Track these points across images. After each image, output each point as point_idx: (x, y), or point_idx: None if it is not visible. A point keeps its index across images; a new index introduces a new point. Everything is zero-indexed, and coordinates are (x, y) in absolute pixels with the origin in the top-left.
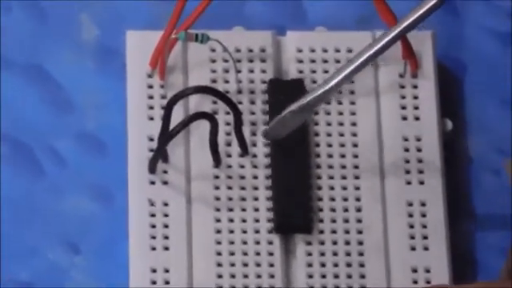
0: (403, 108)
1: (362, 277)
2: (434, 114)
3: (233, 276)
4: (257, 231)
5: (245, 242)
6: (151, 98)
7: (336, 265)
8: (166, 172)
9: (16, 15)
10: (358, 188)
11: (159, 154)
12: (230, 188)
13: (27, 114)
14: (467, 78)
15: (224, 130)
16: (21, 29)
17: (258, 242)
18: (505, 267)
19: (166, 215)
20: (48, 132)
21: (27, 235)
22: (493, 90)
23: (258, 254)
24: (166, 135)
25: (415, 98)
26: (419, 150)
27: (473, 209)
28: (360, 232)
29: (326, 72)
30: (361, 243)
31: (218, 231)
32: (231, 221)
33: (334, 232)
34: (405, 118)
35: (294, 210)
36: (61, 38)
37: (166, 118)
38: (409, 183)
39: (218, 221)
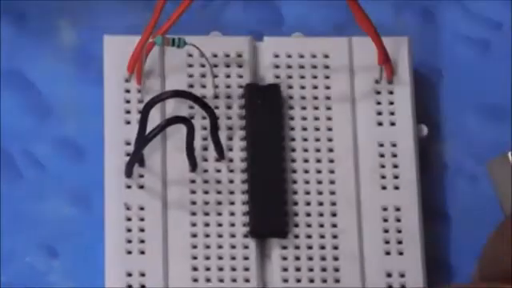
0: (379, 114)
1: (337, 281)
2: (409, 119)
3: (208, 280)
4: (232, 235)
5: (220, 246)
6: (128, 102)
7: (311, 269)
8: (142, 176)
9: None
10: (333, 193)
11: (135, 158)
12: (206, 192)
13: (5, 118)
14: (443, 84)
15: (200, 134)
16: None
17: (233, 246)
18: (476, 271)
19: (142, 219)
20: (26, 137)
21: (5, 239)
22: (468, 96)
23: (233, 258)
24: (143, 139)
25: (391, 103)
26: (394, 156)
27: (447, 214)
28: (335, 236)
29: (303, 77)
30: (336, 248)
31: (194, 235)
32: (207, 225)
33: (309, 237)
34: (380, 124)
35: (270, 215)
36: (39, 42)
37: (143, 122)
38: (384, 188)
39: (194, 225)
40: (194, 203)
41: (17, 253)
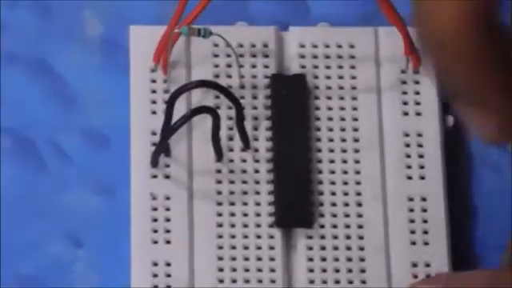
0: (405, 103)
1: (363, 271)
2: (435, 109)
3: (234, 270)
4: (258, 225)
5: (246, 236)
6: (154, 92)
7: (337, 259)
8: (168, 166)
9: (20, 11)
10: (358, 183)
11: (161, 148)
12: (231, 182)
13: (31, 108)
14: None
15: (226, 124)
16: (25, 24)
17: (259, 236)
18: (505, 254)
19: (168, 209)
20: (51, 127)
21: (30, 229)
22: None
23: (259, 248)
24: (169, 129)
25: (417, 93)
26: (420, 146)
27: (473, 204)
28: (360, 227)
29: (328, 68)
30: (361, 238)
31: (220, 225)
32: (233, 215)
33: (334, 226)
34: (406, 114)
35: (295, 204)
36: (65, 33)
37: (169, 112)
38: (410, 178)
39: (220, 215)
40: (219, 193)
41: (42, 243)
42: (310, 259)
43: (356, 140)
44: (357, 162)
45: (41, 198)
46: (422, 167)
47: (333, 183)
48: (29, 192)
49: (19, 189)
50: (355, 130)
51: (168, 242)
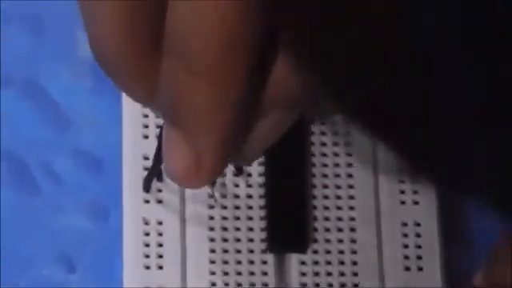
0: None
1: None
2: None
3: None
4: (251, 251)
5: (239, 262)
6: (146, 116)
7: (330, 285)
8: (160, 191)
9: (12, 32)
10: (352, 208)
11: (154, 173)
12: (224, 207)
13: (23, 130)
14: None
15: None
16: (17, 46)
17: (251, 262)
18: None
19: (160, 234)
20: (44, 149)
21: (23, 252)
22: None
23: (252, 273)
24: (161, 154)
25: None
26: None
27: (467, 229)
28: (354, 252)
29: None
30: (355, 263)
31: (212, 251)
32: (225, 240)
33: (328, 252)
34: None
35: (288, 230)
36: (57, 55)
37: (161, 137)
38: (403, 203)
39: (212, 240)
40: (212, 218)
41: (34, 265)
42: (304, 285)
43: (349, 165)
44: (350, 186)
45: (33, 220)
46: (415, 192)
47: (326, 208)
48: (21, 215)
49: (11, 211)
50: (348, 154)
51: (160, 268)
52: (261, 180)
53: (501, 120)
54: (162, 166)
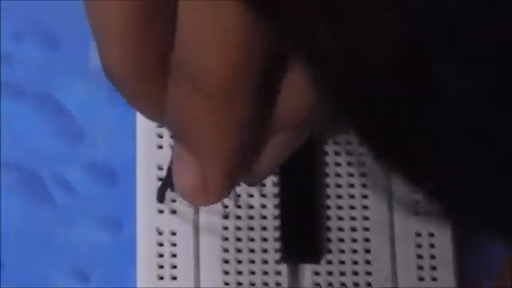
0: None
1: None
2: None
3: None
4: (265, 261)
5: (252, 273)
6: (160, 126)
7: None
8: (174, 201)
9: (26, 44)
10: (366, 218)
11: (168, 183)
12: (238, 217)
13: (37, 142)
14: None
15: None
16: (30, 57)
17: (265, 273)
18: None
19: (174, 244)
20: (58, 161)
21: (37, 264)
22: None
23: (265, 284)
24: None
25: None
26: None
27: (481, 239)
28: (368, 262)
29: None
30: (369, 273)
31: (226, 261)
32: (239, 251)
33: (342, 263)
34: None
35: (302, 240)
36: (70, 66)
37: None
38: (417, 213)
39: (226, 251)
40: (225, 228)
41: (48, 278)
42: None
43: (363, 174)
44: (364, 196)
45: (48, 232)
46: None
47: (340, 218)
48: (36, 227)
49: (25, 223)
50: (362, 164)
51: (174, 278)
52: (275, 190)
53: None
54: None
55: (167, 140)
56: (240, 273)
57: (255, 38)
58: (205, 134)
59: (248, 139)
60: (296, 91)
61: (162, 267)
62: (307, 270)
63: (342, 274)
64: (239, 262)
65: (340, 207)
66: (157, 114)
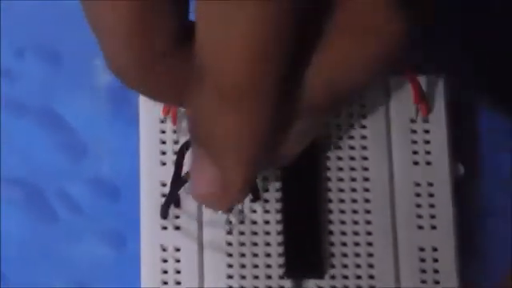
0: (415, 153)
1: None
2: (445, 158)
3: None
4: (269, 277)
5: None
6: (164, 143)
7: None
8: (178, 217)
9: (29, 60)
10: (369, 233)
11: (171, 200)
12: (242, 233)
13: (40, 158)
14: (480, 122)
15: None
16: (34, 73)
17: None
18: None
19: (178, 261)
20: (61, 177)
21: (40, 280)
22: (504, 134)
23: None
24: (179, 180)
25: (427, 142)
26: (431, 196)
27: (484, 253)
28: (371, 277)
29: (337, 116)
30: None
31: (230, 277)
32: (243, 266)
33: (345, 277)
34: (416, 163)
35: (306, 255)
36: (74, 82)
37: (179, 163)
38: (421, 228)
39: (230, 266)
40: (229, 244)
41: None
42: None
43: (366, 190)
44: (367, 211)
45: (51, 248)
46: (432, 217)
47: (343, 233)
48: (39, 243)
49: (29, 239)
50: (365, 179)
51: None
52: (278, 206)
53: None
54: (181, 191)
55: (170, 157)
56: None
57: (277, 37)
58: (226, 138)
59: (271, 139)
60: (321, 70)
61: (166, 283)
62: (311, 284)
63: None
64: (243, 277)
65: (343, 222)
66: (173, 100)
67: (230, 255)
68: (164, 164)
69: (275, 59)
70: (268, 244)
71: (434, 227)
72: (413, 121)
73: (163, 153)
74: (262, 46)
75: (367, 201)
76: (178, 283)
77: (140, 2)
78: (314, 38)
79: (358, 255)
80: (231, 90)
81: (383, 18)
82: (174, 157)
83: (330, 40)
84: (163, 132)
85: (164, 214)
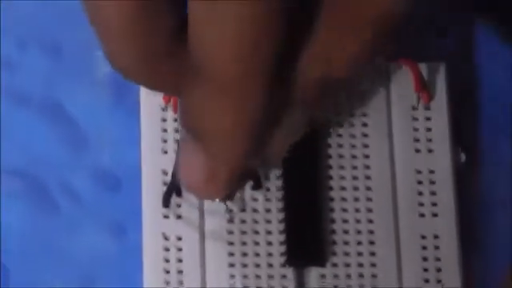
0: (416, 140)
1: None
2: (447, 146)
3: None
4: (270, 265)
5: (258, 276)
6: (165, 131)
7: None
8: (179, 206)
9: (31, 51)
10: (371, 221)
11: (173, 188)
12: (243, 222)
13: (41, 150)
14: (481, 109)
15: None
16: (36, 65)
17: (271, 276)
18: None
19: (180, 249)
20: (63, 168)
21: (42, 272)
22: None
23: (271, 287)
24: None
25: (428, 130)
26: (433, 183)
27: (485, 241)
28: (373, 265)
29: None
30: (374, 276)
31: (232, 265)
32: (244, 255)
33: (347, 265)
34: (418, 151)
35: (307, 244)
36: (75, 74)
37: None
38: (422, 216)
39: (232, 255)
40: (231, 233)
41: (54, 286)
42: None
43: (368, 177)
44: (369, 199)
45: (53, 239)
46: (434, 204)
47: (345, 221)
48: (40, 234)
49: (30, 231)
50: (367, 167)
51: (180, 283)
52: (279, 194)
53: None
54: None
55: (172, 145)
56: (246, 277)
57: (268, 30)
58: (219, 129)
59: (260, 131)
60: (311, 66)
61: (168, 272)
62: (313, 273)
63: (348, 276)
64: (245, 265)
65: (344, 210)
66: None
67: (232, 244)
68: (165, 152)
69: (265, 57)
70: (269, 232)
71: (435, 215)
72: (414, 108)
73: (164, 141)
74: (252, 44)
75: (368, 188)
76: (180, 272)
77: (140, 2)
78: (303, 34)
79: (359, 243)
80: (223, 85)
81: (372, 10)
82: (176, 145)
83: (319, 36)
84: (164, 120)
85: (166, 203)
